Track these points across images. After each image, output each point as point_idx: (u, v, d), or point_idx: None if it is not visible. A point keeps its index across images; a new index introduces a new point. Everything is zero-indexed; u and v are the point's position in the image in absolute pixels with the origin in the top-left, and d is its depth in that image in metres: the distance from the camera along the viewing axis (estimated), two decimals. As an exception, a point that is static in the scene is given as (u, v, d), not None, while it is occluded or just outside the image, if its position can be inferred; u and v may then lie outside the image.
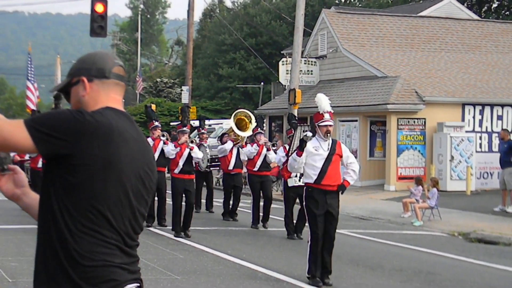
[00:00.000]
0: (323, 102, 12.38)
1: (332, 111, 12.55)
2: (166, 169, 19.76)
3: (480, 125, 31.88)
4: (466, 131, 30.78)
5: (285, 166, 17.41)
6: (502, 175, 23.94)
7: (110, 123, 3.57)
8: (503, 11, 63.35)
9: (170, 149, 17.59)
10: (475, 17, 46.80)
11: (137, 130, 3.75)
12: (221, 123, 45.97)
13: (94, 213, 3.53)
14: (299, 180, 16.56)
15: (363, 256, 15.15)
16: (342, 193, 12.38)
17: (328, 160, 12.15)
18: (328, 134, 12.27)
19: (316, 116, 12.43)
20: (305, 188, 12.46)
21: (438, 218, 21.40)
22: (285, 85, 38.18)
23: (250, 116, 21.18)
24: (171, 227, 17.58)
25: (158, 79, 75.50)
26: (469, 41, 38.98)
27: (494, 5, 63.68)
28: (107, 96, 3.76)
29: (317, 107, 12.43)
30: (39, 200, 3.67)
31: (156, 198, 18.95)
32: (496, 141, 31.02)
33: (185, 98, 39.75)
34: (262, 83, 57.98)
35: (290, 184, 17.51)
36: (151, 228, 18.38)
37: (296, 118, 18.87)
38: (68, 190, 3.51)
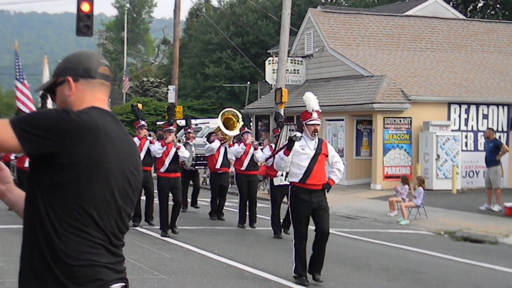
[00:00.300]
0: (312, 101, 12.32)
1: (320, 110, 12.52)
2: (152, 168, 19.76)
3: (466, 124, 31.98)
4: (452, 130, 30.88)
5: (271, 165, 17.45)
6: (488, 173, 24.05)
7: (96, 123, 3.57)
8: (488, 11, 63.60)
9: (157, 148, 17.53)
10: (461, 16, 46.98)
11: (123, 130, 3.75)
12: (208, 122, 45.97)
13: (80, 212, 3.53)
14: (285, 179, 16.56)
15: (349, 255, 15.18)
16: (327, 192, 12.33)
17: (314, 159, 12.11)
18: (316, 133, 12.22)
19: (304, 115, 12.36)
20: (290, 187, 12.39)
21: (424, 217, 21.46)
22: (271, 84, 38.18)
23: (237, 115, 21.11)
24: (159, 226, 17.56)
25: (145, 79, 75.41)
26: (455, 40, 39.11)
27: (480, 5, 63.92)
28: (93, 96, 3.76)
29: (304, 106, 12.42)
30: (25, 200, 3.67)
31: (143, 197, 18.97)
32: (481, 140, 31.10)
33: (172, 97, 39.74)
34: (248, 82, 57.98)
35: (276, 183, 17.50)
36: (137, 228, 18.35)
37: (283, 117, 18.88)
38: (55, 190, 3.51)
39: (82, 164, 3.50)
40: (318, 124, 12.27)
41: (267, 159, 16.63)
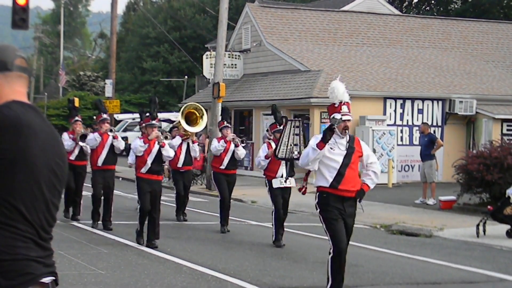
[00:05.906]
0: (340, 90, 10.59)
1: (350, 102, 10.65)
2: (116, 166, 18.22)
3: (401, 118, 32.36)
4: (388, 125, 31.22)
5: (269, 165, 15.68)
6: (423, 168, 24.39)
7: (18, 117, 3.55)
8: (423, 7, 64.42)
9: (139, 145, 15.15)
10: (396, 12, 47.50)
11: (45, 122, 3.74)
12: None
13: (8, 207, 3.52)
14: (285, 181, 15.49)
15: (286, 249, 15.25)
16: (360, 201, 10.64)
17: (346, 160, 10.22)
18: (346, 130, 10.28)
19: (331, 108, 10.54)
20: (318, 193, 10.37)
21: (361, 211, 21.51)
22: (209, 79, 38.13)
23: (201, 110, 19.21)
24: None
25: (81, 73, 74.79)
26: (390, 36, 39.53)
27: (415, 0, 64.70)
28: (11, 89, 3.72)
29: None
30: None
31: (102, 198, 17.48)
32: (416, 134, 31.51)
33: (109, 91, 39.40)
34: (186, 77, 57.84)
35: (275, 186, 15.66)
36: (74, 223, 18.19)
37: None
38: (-19, 186, 3.50)
39: (7, 159, 3.50)
40: (349, 120, 10.33)
41: (266, 157, 15.41)
